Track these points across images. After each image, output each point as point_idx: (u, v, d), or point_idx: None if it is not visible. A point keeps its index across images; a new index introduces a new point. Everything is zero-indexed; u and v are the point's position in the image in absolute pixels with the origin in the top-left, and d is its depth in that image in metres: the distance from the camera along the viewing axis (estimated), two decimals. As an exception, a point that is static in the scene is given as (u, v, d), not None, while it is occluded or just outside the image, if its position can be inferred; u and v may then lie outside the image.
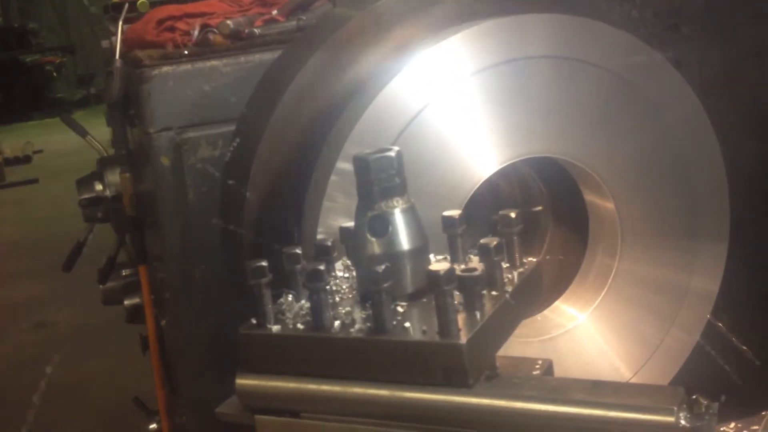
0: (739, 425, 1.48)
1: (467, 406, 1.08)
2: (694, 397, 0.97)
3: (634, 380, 1.74)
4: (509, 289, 1.21)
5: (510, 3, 1.69)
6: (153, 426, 2.94)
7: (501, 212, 1.29)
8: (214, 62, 2.03)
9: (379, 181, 1.20)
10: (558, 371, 1.35)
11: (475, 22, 1.58)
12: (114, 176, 2.31)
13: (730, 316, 1.77)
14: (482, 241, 1.22)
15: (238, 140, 1.80)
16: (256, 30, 2.20)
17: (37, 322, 6.47)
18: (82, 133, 2.49)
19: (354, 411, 1.15)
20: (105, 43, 3.07)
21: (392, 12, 1.67)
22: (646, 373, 1.74)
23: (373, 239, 1.21)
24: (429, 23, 1.67)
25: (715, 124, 1.83)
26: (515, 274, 1.25)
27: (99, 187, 2.33)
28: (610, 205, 1.69)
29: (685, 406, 0.97)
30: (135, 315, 2.59)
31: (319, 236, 1.32)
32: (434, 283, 1.08)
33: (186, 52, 2.06)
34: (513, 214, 1.28)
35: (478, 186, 1.57)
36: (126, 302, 2.61)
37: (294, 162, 1.64)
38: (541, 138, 1.61)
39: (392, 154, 1.20)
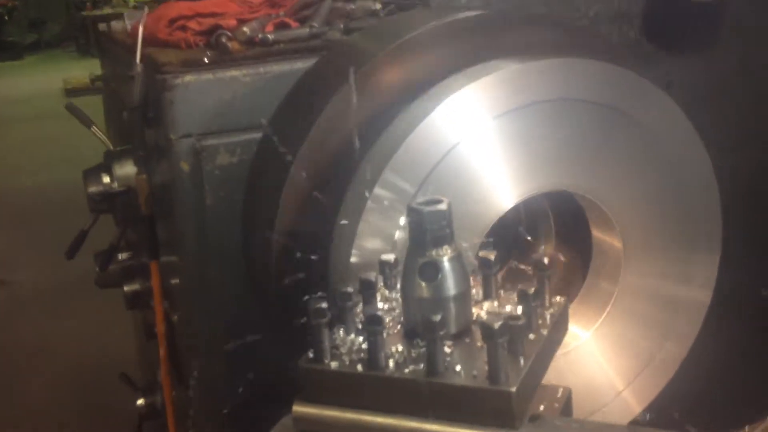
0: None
1: (512, 446, 1.21)
2: (718, 447, 1.11)
3: (626, 392, 1.90)
4: (545, 332, 1.34)
5: (526, 39, 1.82)
6: (140, 401, 3.05)
7: (534, 256, 1.42)
8: (234, 72, 2.10)
9: (432, 231, 1.31)
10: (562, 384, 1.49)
11: (495, 66, 1.70)
12: (122, 170, 2.37)
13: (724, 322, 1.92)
14: (521, 286, 1.35)
15: (267, 155, 1.88)
16: (269, 36, 2.26)
17: (-4, 281, 6.43)
18: (88, 123, 2.53)
19: (404, 442, 1.28)
20: (102, 26, 3.09)
21: (422, 44, 1.76)
22: (639, 385, 1.90)
23: (423, 284, 1.32)
24: (455, 57, 1.78)
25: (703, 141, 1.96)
26: (548, 314, 1.38)
27: (106, 179, 2.38)
28: (614, 233, 1.83)
29: (710, 455, 1.11)
30: (135, 301, 2.67)
31: (363, 274, 1.42)
32: (488, 336, 1.20)
33: (206, 60, 2.11)
34: (546, 259, 1.40)
35: (499, 218, 1.70)
36: (126, 288, 2.68)
37: (327, 183, 1.74)
38: (555, 173, 1.75)
39: (444, 207, 1.31)
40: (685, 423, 1.68)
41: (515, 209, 1.76)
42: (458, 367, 1.25)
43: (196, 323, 2.19)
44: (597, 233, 1.90)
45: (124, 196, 2.34)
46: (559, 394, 1.42)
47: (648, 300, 1.90)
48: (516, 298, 1.42)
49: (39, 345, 5.38)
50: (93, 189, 2.37)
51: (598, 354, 1.87)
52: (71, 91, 10.74)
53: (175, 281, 2.23)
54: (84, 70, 12.40)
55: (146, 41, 2.27)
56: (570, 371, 1.83)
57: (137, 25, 2.28)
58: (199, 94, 2.06)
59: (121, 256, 2.78)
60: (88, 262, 2.71)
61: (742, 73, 2.39)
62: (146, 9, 2.33)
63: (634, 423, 1.86)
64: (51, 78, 11.94)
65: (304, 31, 2.27)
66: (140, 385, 3.12)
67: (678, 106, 1.91)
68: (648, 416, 1.94)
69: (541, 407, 1.37)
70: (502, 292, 1.46)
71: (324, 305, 1.29)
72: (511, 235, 1.96)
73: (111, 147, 2.51)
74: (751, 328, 2.15)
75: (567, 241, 1.98)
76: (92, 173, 2.39)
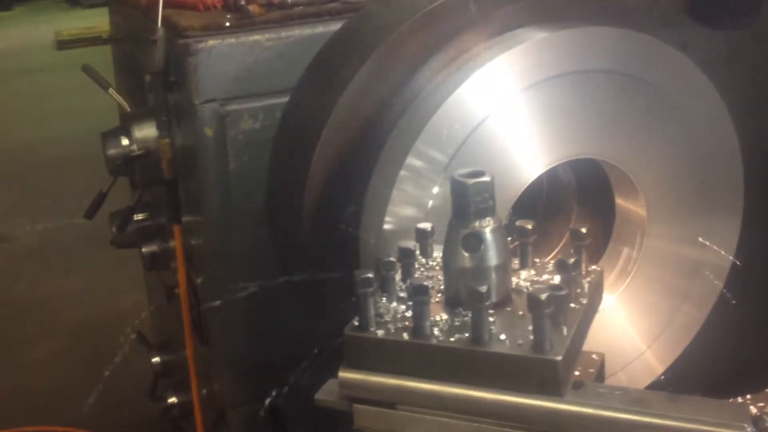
0: (747, 399, 1.70)
1: (558, 412, 1.24)
2: (758, 413, 1.16)
3: (648, 352, 1.96)
4: (584, 301, 1.37)
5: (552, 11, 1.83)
6: (156, 359, 3.09)
7: (572, 227, 1.45)
8: (256, 36, 2.09)
9: (475, 203, 1.33)
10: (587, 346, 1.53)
11: (523, 36, 1.71)
12: (141, 133, 2.36)
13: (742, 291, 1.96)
14: (560, 257, 1.38)
15: (295, 120, 1.89)
16: (288, -3, 2.25)
17: (-6, 237, 6.40)
18: (105, 85, 2.52)
19: (448, 407, 1.31)
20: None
21: (451, 13, 1.77)
22: (660, 346, 1.95)
23: (466, 254, 1.35)
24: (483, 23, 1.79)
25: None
26: (585, 284, 1.42)
27: (125, 142, 2.38)
28: (638, 199, 1.86)
29: (751, 421, 1.16)
30: (154, 262, 2.69)
31: (402, 243, 1.44)
32: (535, 307, 1.23)
33: (228, 24, 2.11)
34: (584, 229, 1.43)
35: (526, 186, 1.73)
36: (144, 249, 2.70)
37: (358, 151, 1.75)
38: (582, 142, 1.77)
39: (488, 179, 1.33)
40: (703, 386, 1.72)
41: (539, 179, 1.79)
42: (502, 336, 1.29)
43: (219, 285, 2.22)
44: (620, 200, 1.92)
45: (143, 159, 2.35)
46: (594, 360, 1.47)
47: (669, 264, 1.94)
48: (552, 267, 1.46)
49: (39, 301, 5.39)
50: (112, 152, 2.36)
51: (621, 317, 1.91)
52: (63, 43, 10.57)
53: (198, 244, 2.25)
54: (75, 20, 12.23)
55: (164, 2, 2.26)
56: (595, 333, 1.87)
57: (156, -14, 2.26)
58: (222, 58, 2.06)
59: (137, 216, 2.79)
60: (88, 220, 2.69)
61: (757, 35, 2.39)
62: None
63: (656, 384, 1.91)
64: (41, 29, 11.76)
65: (324, -9, 2.26)
66: (155, 344, 3.16)
67: (698, 70, 1.92)
68: (662, 377, 1.99)
69: (577, 372, 1.41)
70: (537, 260, 1.49)
71: (370, 275, 1.32)
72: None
73: (128, 109, 2.50)
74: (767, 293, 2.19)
75: (590, 209, 2.01)
76: (111, 136, 2.39)
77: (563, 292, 1.29)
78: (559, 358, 1.23)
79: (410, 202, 1.67)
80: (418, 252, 1.51)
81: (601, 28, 1.81)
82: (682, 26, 2.28)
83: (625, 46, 1.81)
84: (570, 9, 1.93)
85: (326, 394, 1.41)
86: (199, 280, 2.28)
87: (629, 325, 1.92)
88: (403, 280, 1.44)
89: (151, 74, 2.15)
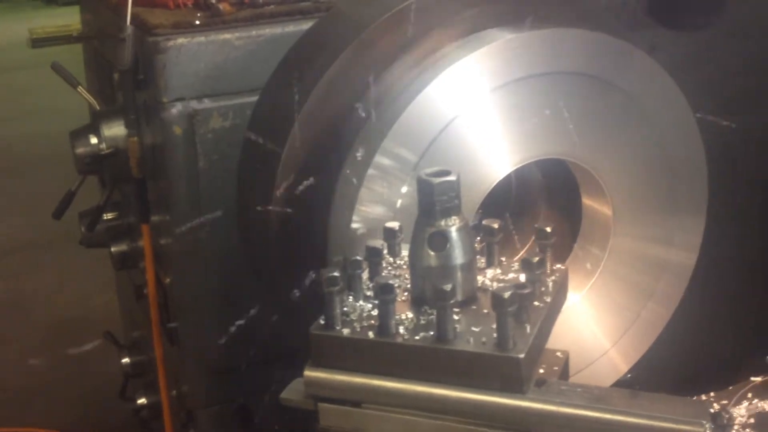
0: (709, 397, 1.73)
1: (520, 409, 1.26)
2: (717, 410, 1.17)
3: (613, 351, 1.97)
4: (548, 299, 1.38)
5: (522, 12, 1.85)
6: (126, 360, 3.07)
7: (537, 226, 1.46)
8: (227, 35, 2.09)
9: (441, 202, 1.34)
10: (551, 345, 1.54)
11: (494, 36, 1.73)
12: (110, 131, 2.35)
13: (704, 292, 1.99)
14: (525, 256, 1.39)
15: (264, 119, 1.89)
16: (259, -5, 2.25)
17: (-33, 234, 6.33)
18: (74, 83, 2.50)
19: (413, 405, 1.32)
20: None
21: (420, 13, 1.77)
22: (625, 344, 1.97)
23: (432, 253, 1.36)
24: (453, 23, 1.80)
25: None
26: (549, 282, 1.43)
27: (94, 140, 2.36)
28: (604, 199, 1.88)
29: (710, 417, 1.17)
30: (123, 261, 2.67)
31: (370, 242, 1.45)
32: (498, 305, 1.24)
33: (198, 22, 2.10)
34: (548, 228, 1.44)
35: (493, 185, 1.75)
36: (113, 249, 2.69)
37: (327, 150, 1.75)
38: (549, 142, 1.78)
39: (453, 178, 1.34)
40: (668, 384, 1.74)
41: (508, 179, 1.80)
42: (466, 334, 1.30)
43: (187, 285, 2.21)
44: (587, 200, 1.94)
45: (112, 158, 2.33)
46: (559, 358, 1.48)
47: (634, 263, 1.96)
48: (517, 266, 1.47)
49: (12, 300, 5.34)
50: (81, 150, 2.35)
51: (587, 315, 1.93)
52: (37, 41, 10.46)
53: (167, 243, 2.24)
54: (49, 18, 12.11)
55: (134, 0, 2.25)
56: (561, 331, 1.89)
57: (125, -16, 2.25)
58: (192, 57, 2.06)
59: (106, 216, 2.78)
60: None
61: (726, 36, 2.42)
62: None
63: (621, 382, 1.93)
64: (15, 27, 11.64)
65: (295, -9, 2.26)
66: (125, 344, 3.14)
67: (665, 72, 1.95)
68: (629, 375, 2.01)
69: (541, 370, 1.42)
70: (503, 259, 1.50)
71: (336, 273, 1.32)
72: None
73: (97, 107, 2.48)
74: (733, 292, 2.22)
75: (558, 209, 2.02)
76: (80, 134, 2.37)
77: (527, 291, 1.31)
78: (522, 355, 1.24)
79: (379, 201, 1.67)
80: (386, 251, 1.51)
81: (570, 30, 1.83)
82: (651, 28, 2.31)
83: (593, 48, 1.83)
84: (539, 10, 1.95)
85: (292, 393, 1.42)
86: (167, 280, 2.27)
87: (595, 323, 1.94)
88: (371, 279, 1.44)
89: (119, 72, 2.14)
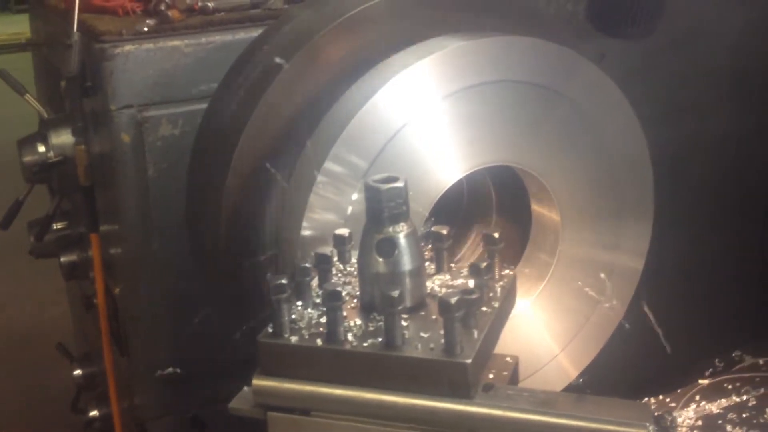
0: (658, 400, 1.75)
1: (467, 414, 1.26)
2: (661, 413, 1.19)
3: (562, 356, 1.99)
4: (496, 304, 1.39)
5: (472, 19, 1.86)
6: (78, 371, 3.02)
7: (484, 232, 1.47)
8: (176, 42, 2.08)
9: (389, 208, 1.34)
10: (501, 350, 1.55)
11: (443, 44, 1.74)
12: (58, 139, 2.32)
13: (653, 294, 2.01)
14: (474, 261, 1.40)
15: (214, 126, 1.88)
16: (209, 3, 2.24)
17: None
18: (21, 91, 2.46)
19: (362, 412, 1.32)
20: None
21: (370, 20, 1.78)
22: (573, 349, 1.99)
23: (380, 259, 1.36)
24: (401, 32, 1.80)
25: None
26: (498, 288, 1.44)
27: (42, 149, 2.33)
28: (552, 206, 1.90)
29: (654, 420, 1.19)
30: (72, 271, 2.63)
31: (319, 249, 1.44)
32: (445, 310, 1.25)
33: (146, 29, 2.08)
34: (496, 234, 1.45)
35: (443, 192, 1.75)
36: (63, 259, 2.64)
37: (277, 156, 1.75)
38: (498, 150, 1.80)
39: (401, 184, 1.34)
40: (618, 388, 1.77)
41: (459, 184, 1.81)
42: (415, 340, 1.30)
43: (138, 295, 2.18)
44: (536, 207, 1.96)
45: (60, 166, 2.30)
46: (508, 363, 1.49)
47: (583, 268, 1.98)
48: (466, 271, 1.47)
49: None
50: (29, 159, 2.31)
51: (537, 320, 1.94)
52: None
53: (116, 253, 2.21)
54: (3, 26, 11.93)
55: (82, 7, 2.22)
56: (511, 336, 1.90)
57: (72, -10, 2.22)
58: (140, 64, 2.04)
59: (56, 225, 2.74)
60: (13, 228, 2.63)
61: (672, 45, 2.46)
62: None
63: (571, 387, 1.94)
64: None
65: (245, -1, 2.26)
66: (77, 356, 3.09)
67: (612, 82, 1.97)
68: (581, 380, 2.03)
69: (491, 375, 1.43)
70: (453, 265, 1.51)
71: (284, 281, 1.31)
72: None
73: (45, 115, 2.45)
74: (682, 296, 2.26)
75: (509, 216, 2.04)
76: (27, 142, 2.34)
77: (474, 296, 1.31)
78: (469, 361, 1.25)
79: (329, 208, 1.67)
80: (336, 258, 1.51)
81: (518, 38, 1.84)
82: (600, 37, 2.34)
83: (541, 57, 1.85)
84: (490, 18, 1.97)
85: (241, 402, 1.40)
86: (117, 290, 2.24)
87: (544, 328, 1.95)
88: (320, 286, 1.44)
89: (66, 79, 2.11)
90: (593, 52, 2.06)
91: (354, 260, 1.50)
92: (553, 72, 1.86)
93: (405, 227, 1.36)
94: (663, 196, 2.07)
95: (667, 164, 2.16)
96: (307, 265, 1.40)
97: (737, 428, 2.11)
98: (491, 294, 1.42)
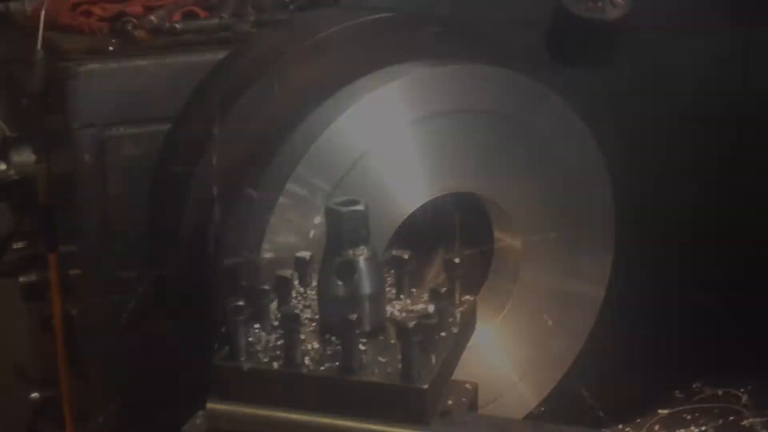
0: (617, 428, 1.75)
1: (425, 440, 1.25)
2: (616, 440, 1.19)
3: (521, 384, 1.99)
4: (455, 330, 1.39)
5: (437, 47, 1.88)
6: (35, 395, 2.96)
7: (444, 257, 1.47)
8: (140, 62, 2.07)
9: (349, 232, 1.33)
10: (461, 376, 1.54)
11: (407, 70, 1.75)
12: (20, 157, 2.29)
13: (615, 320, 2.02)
14: (432, 286, 1.39)
15: (176, 147, 1.87)
16: (176, 25, 2.24)
17: None
18: (-18, 108, 2.43)
19: (318, 437, 1.30)
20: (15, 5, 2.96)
21: (336, 45, 1.79)
22: (534, 378, 1.99)
23: (339, 283, 1.35)
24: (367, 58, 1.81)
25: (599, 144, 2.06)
26: (458, 313, 1.43)
27: (2, 166, 2.30)
28: (514, 233, 1.91)
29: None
30: (32, 293, 2.59)
31: (279, 271, 1.43)
32: (402, 335, 1.24)
33: (111, 48, 2.07)
34: (456, 260, 1.45)
35: (406, 217, 1.76)
36: (22, 279, 2.60)
37: (240, 178, 1.74)
38: (462, 177, 1.81)
39: (362, 208, 1.34)
40: (578, 417, 1.77)
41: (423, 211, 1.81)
42: (372, 365, 1.29)
43: (96, 317, 2.15)
44: (498, 234, 1.97)
45: (21, 185, 2.27)
46: (467, 389, 1.48)
47: (544, 296, 1.99)
48: (427, 296, 1.47)
49: None
50: (-13, 177, 2.28)
51: (498, 348, 1.94)
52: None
53: (75, 274, 2.18)
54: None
55: (47, 25, 2.21)
56: (472, 363, 1.89)
57: (38, 7, 2.21)
58: (104, 83, 2.03)
59: (16, 245, 2.69)
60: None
61: (638, 78, 2.50)
62: (49, -7, 2.26)
63: (531, 415, 1.94)
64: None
65: (213, 21, 2.26)
66: (34, 379, 3.03)
67: (574, 113, 2.00)
68: (542, 409, 2.03)
69: (450, 402, 1.42)
70: (414, 290, 1.50)
71: (241, 303, 1.30)
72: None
73: (7, 132, 2.42)
74: (643, 325, 2.27)
75: (473, 242, 2.05)
76: (-13, 161, 2.31)
77: (432, 321, 1.30)
78: (426, 386, 1.24)
79: (291, 230, 1.66)
80: (297, 281, 1.50)
81: (484, 66, 1.85)
82: (568, 67, 2.37)
83: (507, 86, 1.87)
84: (455, 47, 1.98)
85: (194, 427, 1.38)
86: (74, 311, 2.20)
87: (505, 356, 1.95)
88: (279, 309, 1.42)
89: (28, 96, 2.09)
90: (560, 82, 2.08)
91: (314, 283, 1.49)
92: (518, 102, 1.88)
93: (365, 251, 1.35)
94: (625, 226, 2.09)
95: (630, 195, 2.18)
96: (267, 287, 1.39)
97: (696, 458, 2.12)
98: (451, 319, 1.41)
